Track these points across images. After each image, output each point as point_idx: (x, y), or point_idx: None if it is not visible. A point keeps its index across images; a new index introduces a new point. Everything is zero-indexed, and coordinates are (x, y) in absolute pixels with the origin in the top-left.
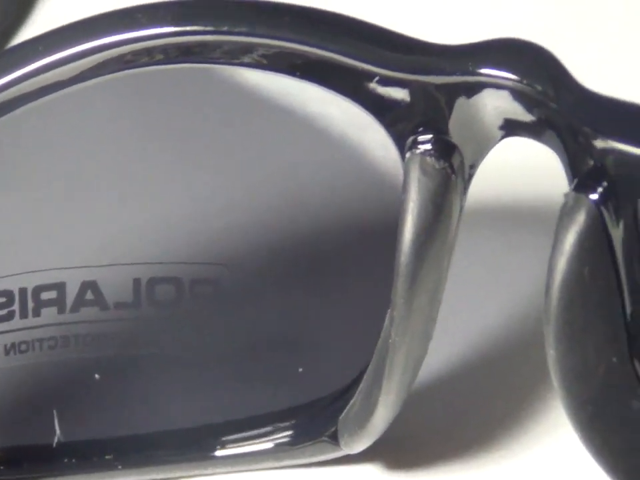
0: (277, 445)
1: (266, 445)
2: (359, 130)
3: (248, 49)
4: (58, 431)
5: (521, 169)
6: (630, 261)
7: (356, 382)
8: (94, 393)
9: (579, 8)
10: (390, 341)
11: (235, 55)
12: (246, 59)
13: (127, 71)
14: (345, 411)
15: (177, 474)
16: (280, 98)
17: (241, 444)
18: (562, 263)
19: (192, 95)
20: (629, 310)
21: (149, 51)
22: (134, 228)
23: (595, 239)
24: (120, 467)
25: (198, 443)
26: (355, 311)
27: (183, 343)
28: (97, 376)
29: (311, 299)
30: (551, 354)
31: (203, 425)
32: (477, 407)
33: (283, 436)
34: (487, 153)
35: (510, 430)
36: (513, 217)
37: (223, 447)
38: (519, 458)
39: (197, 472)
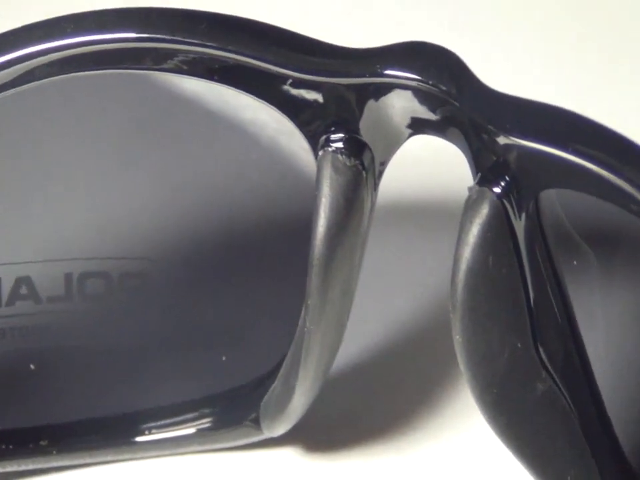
0: (200, 430)
1: (189, 430)
2: (286, 134)
3: (168, 55)
4: None
5: (430, 165)
6: (532, 250)
7: (276, 369)
8: (29, 383)
9: (481, 12)
10: (305, 329)
11: (156, 61)
12: (167, 65)
13: (58, 77)
14: (266, 396)
15: (108, 458)
16: (213, 104)
17: (165, 429)
18: (466, 253)
19: (127, 99)
20: (532, 297)
21: (76, 58)
22: (65, 225)
23: (498, 230)
24: (54, 452)
25: (125, 429)
26: (276, 302)
27: (111, 334)
28: (32, 366)
29: (234, 291)
30: (457, 339)
31: (130, 411)
32: (393, 391)
33: (207, 421)
34: (396, 151)
35: (424, 413)
36: (422, 211)
37: (149, 432)
38: (433, 440)
39: (125, 456)
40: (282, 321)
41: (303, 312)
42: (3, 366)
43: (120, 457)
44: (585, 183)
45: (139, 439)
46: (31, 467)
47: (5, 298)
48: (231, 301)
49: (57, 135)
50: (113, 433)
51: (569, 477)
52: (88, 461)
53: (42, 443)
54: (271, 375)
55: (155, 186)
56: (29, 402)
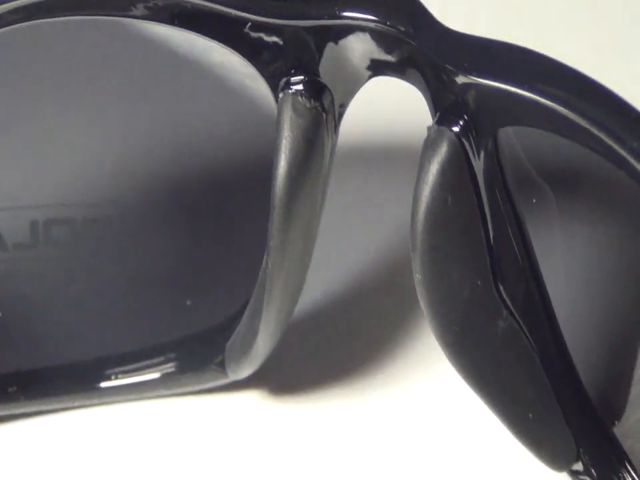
0: (166, 374)
1: (155, 374)
2: (250, 77)
3: (131, 1)
4: None
5: (389, 106)
6: (491, 188)
7: (240, 312)
8: None
9: None
10: (268, 271)
11: (120, 8)
12: (130, 12)
13: (26, 23)
14: (231, 340)
15: (75, 404)
16: (182, 47)
17: (131, 374)
18: (426, 192)
19: (95, 45)
20: (491, 235)
21: (40, 5)
22: (31, 173)
23: (457, 169)
24: (22, 398)
25: (92, 375)
26: (240, 246)
27: (77, 281)
28: None
29: (199, 235)
30: (418, 278)
31: (96, 357)
32: (356, 333)
33: (172, 365)
34: (356, 92)
35: (387, 355)
36: (383, 151)
37: (115, 377)
38: (396, 381)
39: (93, 402)
40: (246, 265)
41: (265, 254)
42: None
43: (87, 403)
44: (542, 120)
45: (105, 384)
46: None
47: None
48: (195, 245)
49: (23, 81)
50: (80, 379)
51: (530, 414)
52: (56, 406)
53: (10, 389)
54: (236, 318)
55: (120, 129)
56: None
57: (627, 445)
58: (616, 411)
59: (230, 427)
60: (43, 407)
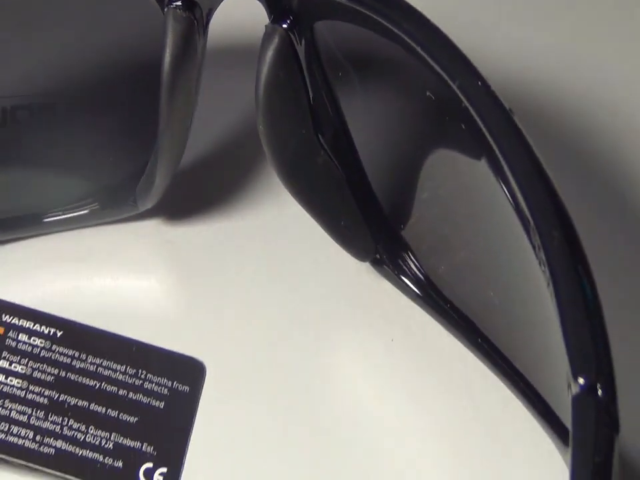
0: (92, 210)
1: (85, 211)
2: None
3: None
4: None
5: (241, 14)
6: (310, 65)
7: (145, 164)
8: None
9: None
10: (160, 131)
11: None
12: None
13: None
14: (139, 183)
15: (34, 233)
16: None
17: (70, 211)
18: (264, 70)
19: None
20: (311, 98)
21: None
22: None
23: (285, 52)
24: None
25: (43, 212)
26: (145, 119)
27: (36, 149)
28: None
29: (116, 115)
30: (260, 129)
31: (46, 201)
32: (227, 174)
33: (97, 204)
34: (218, 6)
35: (249, 188)
36: (238, 45)
37: (62, 213)
38: (255, 206)
39: (46, 230)
40: (149, 133)
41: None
42: None
43: (42, 231)
44: (342, 14)
45: (52, 219)
46: None
47: None
48: (113, 122)
49: None
50: (37, 216)
51: (342, 222)
52: (23, 235)
53: None
54: (142, 169)
55: (49, 40)
56: None
57: (410, 240)
58: (402, 218)
59: (139, 243)
60: (14, 236)
